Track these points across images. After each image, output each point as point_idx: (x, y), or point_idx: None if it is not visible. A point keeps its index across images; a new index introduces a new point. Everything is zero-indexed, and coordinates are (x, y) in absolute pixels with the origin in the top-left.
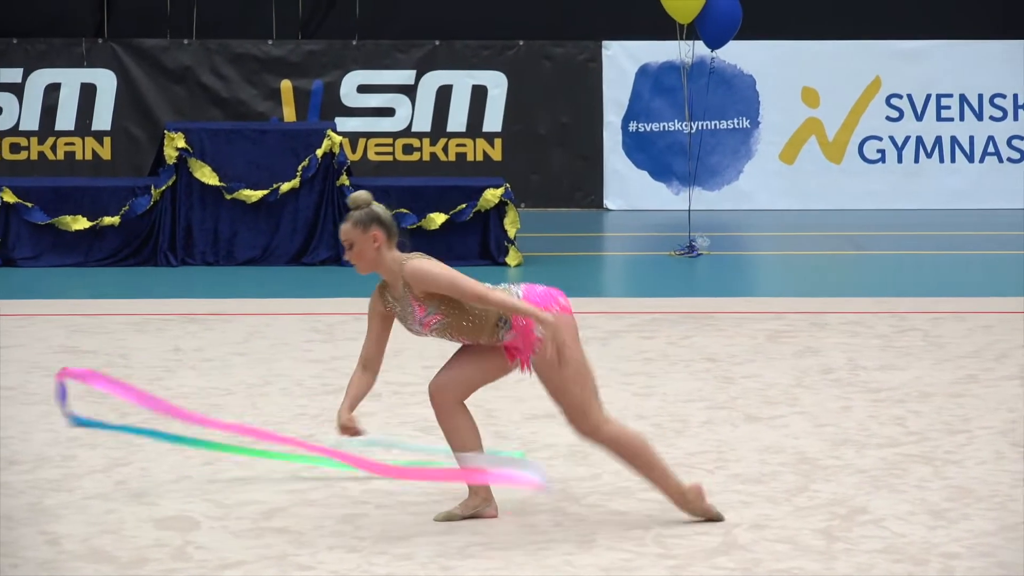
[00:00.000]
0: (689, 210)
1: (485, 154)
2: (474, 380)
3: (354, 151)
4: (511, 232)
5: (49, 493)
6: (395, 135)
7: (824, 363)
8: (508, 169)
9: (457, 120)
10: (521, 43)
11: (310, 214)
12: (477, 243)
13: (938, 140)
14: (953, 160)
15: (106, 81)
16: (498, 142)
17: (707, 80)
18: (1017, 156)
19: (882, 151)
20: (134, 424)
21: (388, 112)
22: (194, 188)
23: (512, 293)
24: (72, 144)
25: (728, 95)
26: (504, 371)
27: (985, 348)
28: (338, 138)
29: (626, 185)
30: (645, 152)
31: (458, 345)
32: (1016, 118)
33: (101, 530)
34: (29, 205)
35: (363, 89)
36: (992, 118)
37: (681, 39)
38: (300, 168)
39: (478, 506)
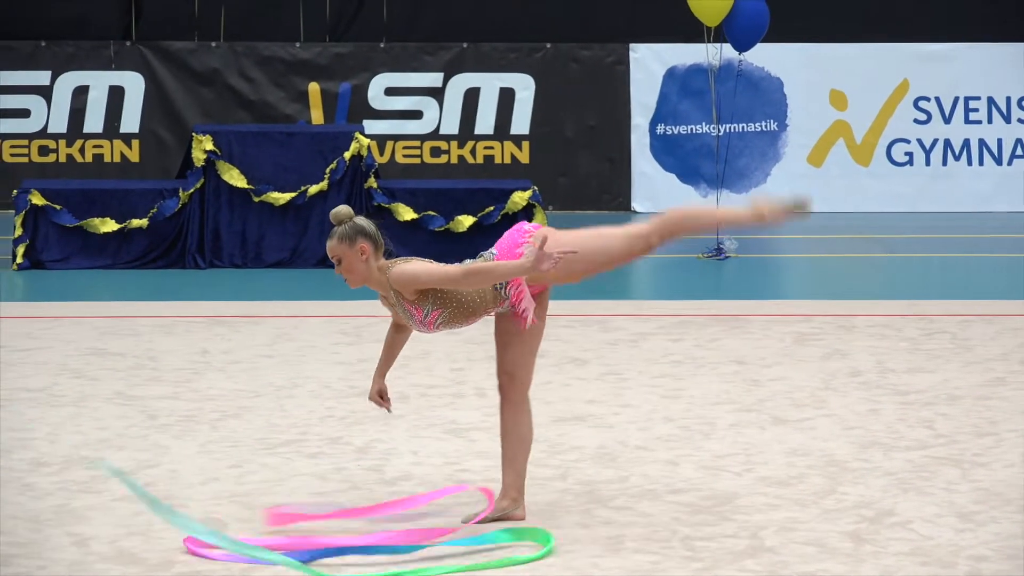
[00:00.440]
0: None
1: (513, 157)
2: (523, 353)
3: (382, 154)
4: None
5: (77, 495)
6: (423, 138)
7: (852, 366)
8: (536, 172)
9: (485, 123)
10: (549, 46)
11: None
12: None
13: (966, 143)
14: (981, 163)
15: (134, 84)
16: (526, 145)
17: (735, 83)
18: None
19: (910, 154)
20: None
21: (416, 115)
22: (222, 190)
23: (488, 258)
24: (100, 147)
25: (756, 98)
26: (535, 331)
27: (1013, 351)
28: (366, 141)
29: (654, 188)
30: (673, 155)
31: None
32: None
33: (129, 532)
34: (58, 207)
35: (391, 92)
36: (1020, 120)
37: (709, 42)
38: (328, 171)
39: (506, 508)
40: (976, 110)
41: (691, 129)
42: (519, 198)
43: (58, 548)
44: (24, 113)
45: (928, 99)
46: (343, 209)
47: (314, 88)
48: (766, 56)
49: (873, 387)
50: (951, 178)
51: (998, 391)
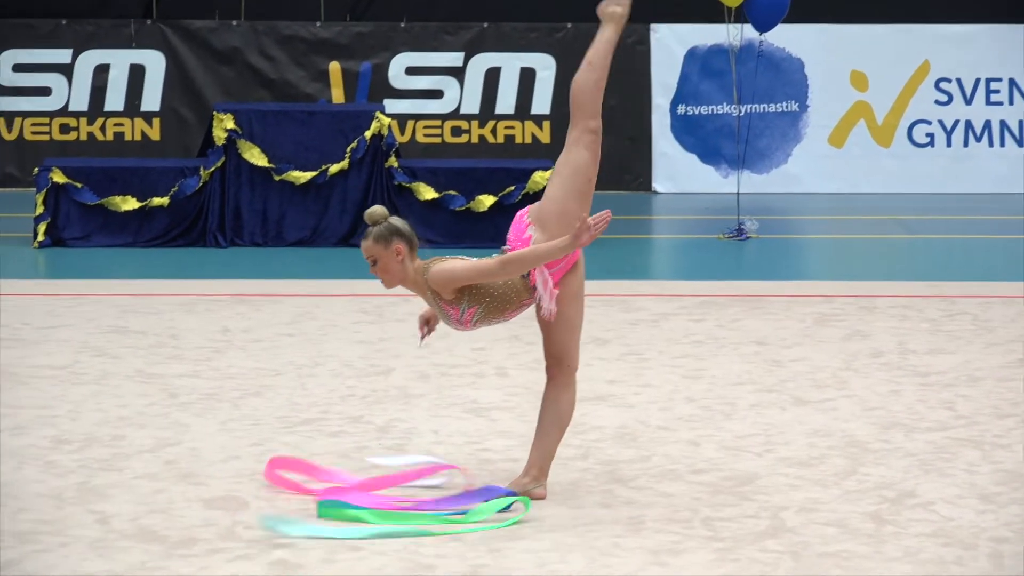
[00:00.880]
0: (738, 193)
1: (534, 136)
2: (565, 330)
3: (403, 133)
4: None
5: (98, 473)
6: (444, 117)
7: (873, 347)
8: (556, 151)
9: (506, 102)
10: (569, 25)
11: (359, 195)
12: None
13: (987, 124)
14: (1002, 144)
15: (155, 62)
16: (546, 124)
17: (755, 63)
18: None
19: (931, 135)
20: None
21: (436, 94)
22: (243, 169)
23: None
24: (121, 125)
25: (777, 78)
26: (574, 306)
27: None
28: (387, 120)
29: (675, 168)
30: (694, 135)
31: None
32: None
33: (150, 509)
34: (79, 185)
35: (411, 71)
36: None
37: (730, 22)
38: (349, 150)
39: (528, 485)
40: (997, 91)
41: (712, 110)
42: (540, 178)
43: (80, 525)
44: (45, 91)
45: (949, 80)
46: (378, 209)
47: (335, 67)
48: (787, 37)
49: (894, 368)
50: (972, 159)
51: (1019, 372)
